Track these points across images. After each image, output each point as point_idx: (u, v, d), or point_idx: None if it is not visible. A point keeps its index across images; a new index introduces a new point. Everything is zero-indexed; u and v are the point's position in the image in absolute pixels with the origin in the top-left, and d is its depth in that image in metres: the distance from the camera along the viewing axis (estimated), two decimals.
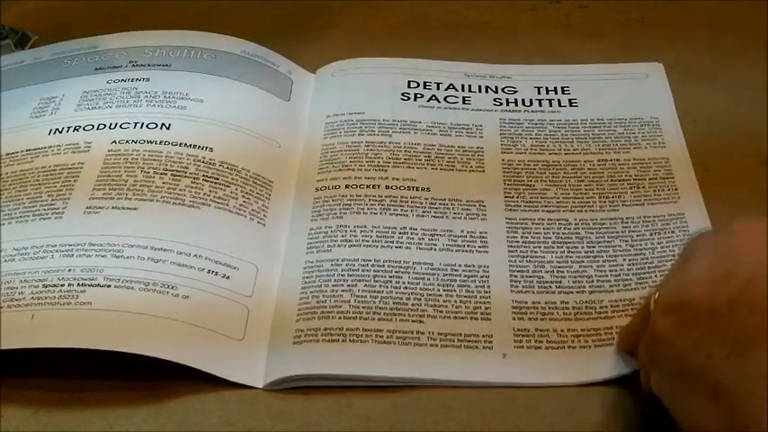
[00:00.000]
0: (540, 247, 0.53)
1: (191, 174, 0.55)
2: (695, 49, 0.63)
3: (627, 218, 0.54)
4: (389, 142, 0.59)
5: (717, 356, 0.36)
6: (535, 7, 0.69)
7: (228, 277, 0.50)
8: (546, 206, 0.55)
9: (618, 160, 0.58)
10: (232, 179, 0.56)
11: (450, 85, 0.65)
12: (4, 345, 0.45)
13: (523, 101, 0.63)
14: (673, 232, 0.53)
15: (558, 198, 0.55)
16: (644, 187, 0.56)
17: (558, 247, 0.53)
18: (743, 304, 0.36)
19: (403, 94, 0.64)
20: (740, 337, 0.36)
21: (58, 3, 0.75)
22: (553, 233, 0.53)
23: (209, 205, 0.54)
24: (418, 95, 0.64)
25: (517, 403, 0.45)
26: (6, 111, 0.62)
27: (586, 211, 0.55)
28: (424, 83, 0.64)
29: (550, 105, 0.62)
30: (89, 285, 0.48)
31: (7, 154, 0.58)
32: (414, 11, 0.71)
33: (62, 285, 0.48)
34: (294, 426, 0.45)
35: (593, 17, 0.66)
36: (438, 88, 0.64)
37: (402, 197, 0.56)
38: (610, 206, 0.55)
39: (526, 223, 0.54)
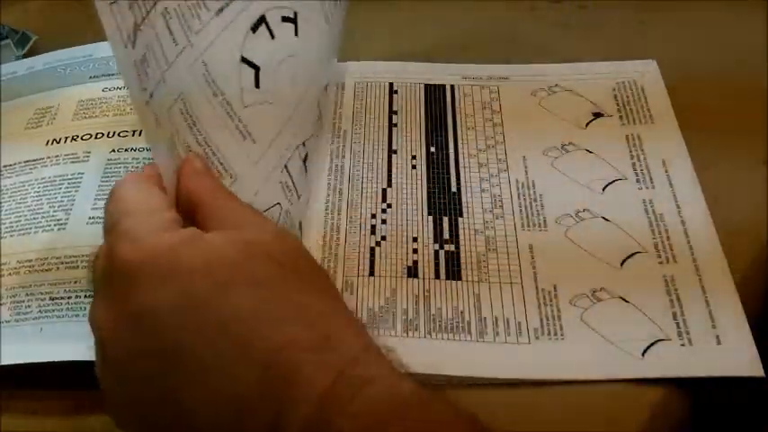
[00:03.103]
0: None
1: None
2: (695, 49, 0.63)
3: None
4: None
5: None
6: (535, 7, 0.69)
7: None
8: None
9: None
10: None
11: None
12: (14, 359, 0.45)
13: None
14: None
15: None
16: None
17: None
18: None
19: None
20: None
21: (59, 3, 0.74)
22: None
23: None
24: None
25: (519, 404, 0.45)
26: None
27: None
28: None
29: None
30: None
31: (5, 166, 0.57)
32: (411, 12, 0.70)
33: (69, 298, 0.48)
34: None
35: (593, 17, 0.66)
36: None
37: None
38: None
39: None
